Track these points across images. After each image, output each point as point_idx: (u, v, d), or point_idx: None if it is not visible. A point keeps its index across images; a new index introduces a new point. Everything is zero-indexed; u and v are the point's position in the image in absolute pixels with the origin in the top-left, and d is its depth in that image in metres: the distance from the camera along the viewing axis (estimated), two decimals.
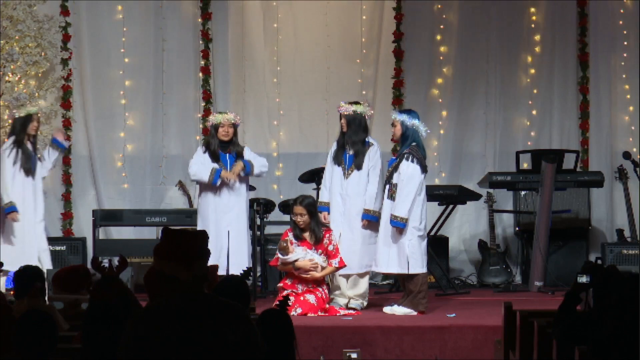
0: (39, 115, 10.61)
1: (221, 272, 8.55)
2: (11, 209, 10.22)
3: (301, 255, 9.27)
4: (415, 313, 9.25)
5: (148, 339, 3.61)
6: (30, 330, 4.66)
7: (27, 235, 10.29)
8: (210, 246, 4.01)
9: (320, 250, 9.30)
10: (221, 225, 9.69)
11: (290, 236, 9.37)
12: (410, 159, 9.25)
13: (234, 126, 9.82)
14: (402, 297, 9.49)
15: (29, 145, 10.37)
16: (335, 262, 9.33)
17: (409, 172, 9.23)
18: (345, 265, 9.39)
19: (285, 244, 9.31)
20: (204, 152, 9.84)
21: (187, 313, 3.66)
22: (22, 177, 10.29)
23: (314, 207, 9.37)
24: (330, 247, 9.32)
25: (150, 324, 3.64)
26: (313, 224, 9.31)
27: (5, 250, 10.12)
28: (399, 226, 9.22)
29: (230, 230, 9.68)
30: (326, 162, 9.83)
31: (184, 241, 3.87)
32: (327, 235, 9.35)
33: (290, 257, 9.29)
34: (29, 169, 10.30)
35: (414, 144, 9.32)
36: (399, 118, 9.42)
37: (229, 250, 9.57)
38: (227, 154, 9.79)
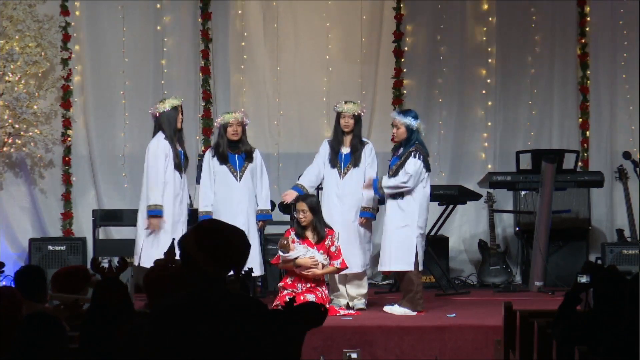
0: (181, 106, 9.78)
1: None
2: (155, 212, 9.55)
3: (302, 252, 9.26)
4: (414, 313, 9.25)
5: (172, 334, 3.54)
6: (37, 333, 4.53)
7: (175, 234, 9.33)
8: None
9: (321, 250, 9.30)
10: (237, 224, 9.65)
11: (293, 235, 9.37)
12: (417, 156, 9.28)
13: (243, 125, 9.77)
14: (402, 297, 9.49)
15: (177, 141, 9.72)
16: (337, 263, 9.33)
17: (415, 168, 9.26)
18: (346, 267, 9.39)
19: (286, 242, 9.31)
20: (213, 156, 9.72)
21: (215, 309, 3.60)
22: (173, 173, 9.67)
23: (317, 206, 9.37)
24: (333, 249, 9.31)
25: (174, 319, 3.57)
26: (315, 222, 9.31)
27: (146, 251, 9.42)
28: (376, 194, 9.43)
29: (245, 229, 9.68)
30: (318, 155, 9.81)
31: (242, 245, 3.74)
32: (330, 236, 9.34)
33: (291, 254, 9.28)
34: (179, 165, 9.69)
35: (417, 142, 9.35)
36: (404, 121, 9.36)
37: None
38: (236, 155, 9.73)
